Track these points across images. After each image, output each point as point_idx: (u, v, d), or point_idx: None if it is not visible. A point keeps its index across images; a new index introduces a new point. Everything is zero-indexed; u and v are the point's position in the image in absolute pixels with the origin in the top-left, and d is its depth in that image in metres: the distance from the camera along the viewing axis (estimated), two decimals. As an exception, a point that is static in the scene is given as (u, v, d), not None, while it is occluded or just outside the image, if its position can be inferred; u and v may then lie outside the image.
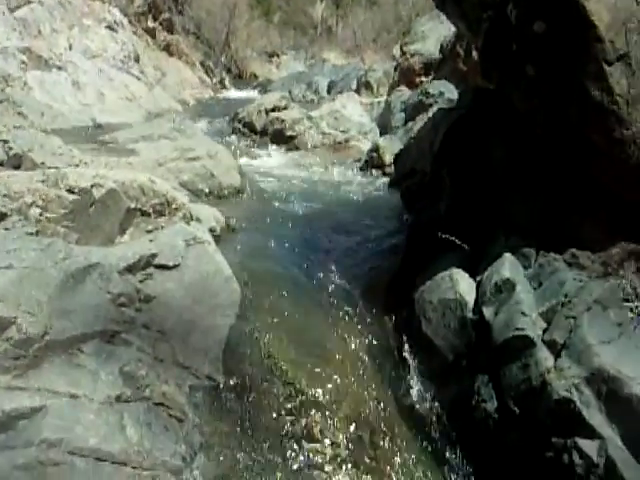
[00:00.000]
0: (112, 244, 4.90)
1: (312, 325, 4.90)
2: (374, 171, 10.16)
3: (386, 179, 9.21)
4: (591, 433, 3.92)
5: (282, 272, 5.46)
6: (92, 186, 4.88)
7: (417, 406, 4.65)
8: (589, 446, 3.88)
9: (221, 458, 3.95)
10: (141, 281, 4.53)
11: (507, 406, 4.26)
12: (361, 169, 10.45)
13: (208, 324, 4.49)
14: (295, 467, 4.05)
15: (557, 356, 4.14)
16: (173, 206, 5.43)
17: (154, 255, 4.67)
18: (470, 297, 4.70)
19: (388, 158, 9.90)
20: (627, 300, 4.29)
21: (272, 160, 11.02)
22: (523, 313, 4.33)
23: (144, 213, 5.26)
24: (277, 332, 4.65)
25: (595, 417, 3.92)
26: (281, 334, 4.65)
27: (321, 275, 5.50)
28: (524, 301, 4.42)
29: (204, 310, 4.54)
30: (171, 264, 4.71)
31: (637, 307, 4.24)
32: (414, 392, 4.70)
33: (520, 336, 4.27)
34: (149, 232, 5.09)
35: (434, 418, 4.57)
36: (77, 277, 4.21)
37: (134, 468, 3.73)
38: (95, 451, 3.67)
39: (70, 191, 4.75)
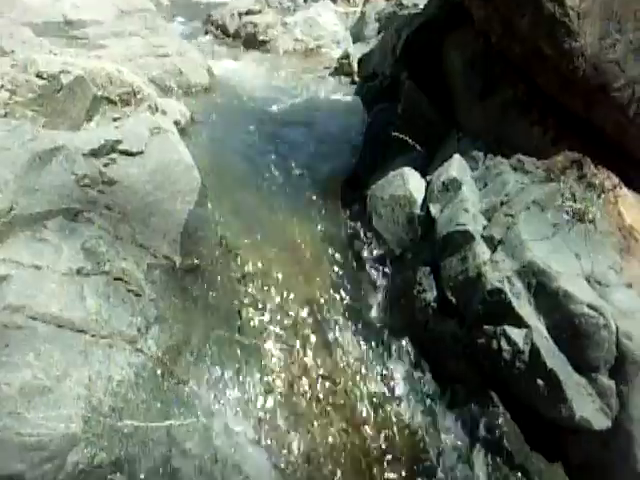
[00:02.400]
0: (78, 130, 5.07)
1: (269, 213, 5.14)
2: (343, 78, 10.28)
3: (354, 86, 9.36)
4: (519, 322, 4.21)
5: (243, 163, 5.68)
6: (60, 72, 5.04)
7: (365, 298, 4.87)
8: (516, 334, 4.19)
9: (174, 330, 4.19)
10: (105, 165, 4.73)
11: (445, 296, 4.52)
12: (331, 75, 10.56)
13: (168, 208, 4.72)
14: (247, 342, 4.30)
15: (493, 250, 4.43)
16: (139, 96, 5.60)
17: (118, 141, 4.86)
18: (419, 195, 4.96)
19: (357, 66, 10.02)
20: (565, 204, 4.51)
21: (243, 63, 11.09)
22: (466, 210, 4.60)
23: (111, 101, 5.43)
24: (234, 218, 4.89)
25: (524, 307, 4.21)
26: (238, 220, 4.88)
27: (281, 168, 5.73)
28: (468, 199, 4.69)
29: (164, 195, 4.76)
30: (135, 151, 4.91)
31: (574, 210, 4.47)
32: (362, 283, 4.93)
33: (461, 231, 4.55)
34: (115, 120, 5.26)
35: (381, 305, 4.81)
36: (43, 158, 4.41)
37: (92, 336, 3.99)
38: (56, 318, 3.90)
39: (39, 76, 4.91)
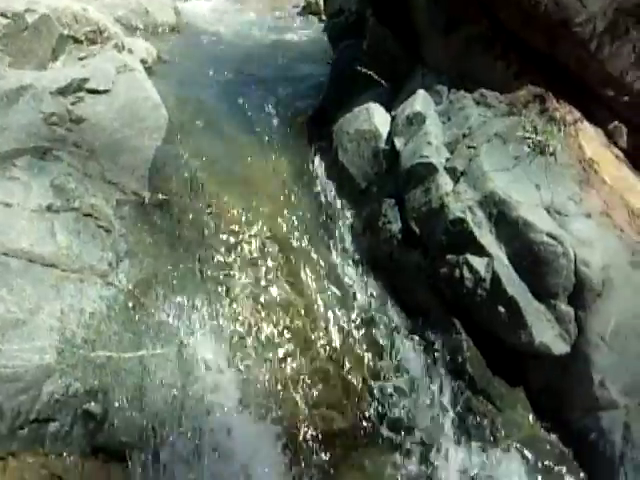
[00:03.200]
0: (45, 69, 5.09)
1: (236, 149, 5.22)
2: (311, 16, 10.28)
3: (322, 24, 9.37)
4: (481, 251, 4.34)
5: (210, 101, 5.73)
6: (25, 11, 5.05)
7: (332, 231, 4.98)
8: (478, 262, 4.33)
9: (144, 264, 4.30)
10: (72, 103, 4.77)
11: (410, 227, 4.64)
12: (299, 14, 10.56)
13: (136, 145, 4.78)
14: (212, 273, 4.41)
15: (456, 182, 4.55)
16: (105, 35, 5.61)
17: (85, 79, 4.90)
18: (384, 129, 5.05)
19: (326, 5, 10.01)
20: (526, 137, 4.62)
21: (211, 3, 11.03)
22: (429, 143, 4.71)
23: (76, 40, 5.45)
24: (202, 155, 4.96)
25: (485, 237, 4.34)
26: (205, 156, 4.95)
27: (247, 105, 5.79)
28: (432, 132, 4.79)
29: (132, 132, 4.83)
30: (102, 89, 4.95)
31: (535, 142, 4.58)
32: (329, 217, 5.04)
33: (425, 163, 4.66)
34: (81, 59, 5.28)
35: (350, 240, 4.92)
36: (10, 97, 4.46)
37: (64, 270, 4.08)
38: (27, 253, 3.99)
39: (3, 15, 4.91)
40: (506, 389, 4.43)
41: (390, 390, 4.42)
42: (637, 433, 4.19)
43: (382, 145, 4.97)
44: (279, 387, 4.19)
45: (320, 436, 4.17)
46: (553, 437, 4.38)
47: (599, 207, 4.48)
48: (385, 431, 4.34)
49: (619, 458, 4.17)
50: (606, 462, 4.23)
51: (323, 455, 4.11)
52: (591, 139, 4.74)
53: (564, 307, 4.27)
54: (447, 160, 4.62)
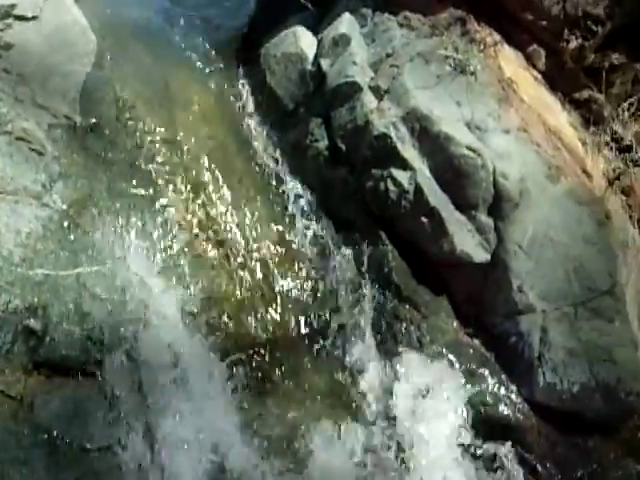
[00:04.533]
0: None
1: (165, 73, 5.25)
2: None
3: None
4: (404, 164, 4.55)
5: (139, 23, 5.70)
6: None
7: (260, 151, 5.10)
8: (402, 176, 4.53)
9: (78, 186, 4.37)
10: (0, 30, 4.77)
11: (336, 144, 4.81)
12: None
13: (66, 70, 4.81)
14: (145, 192, 4.52)
15: (380, 99, 4.72)
16: (30, -39, 5.55)
17: (13, 5, 4.89)
18: (311, 51, 5.19)
19: None
20: (448, 56, 4.80)
21: None
22: (354, 63, 4.87)
23: (2, -33, 5.38)
24: (131, 78, 4.99)
25: (408, 151, 4.55)
26: (135, 80, 4.99)
27: (177, 28, 5.79)
28: (356, 53, 4.96)
29: (62, 58, 4.84)
30: (30, 15, 4.94)
31: (456, 62, 4.76)
32: (258, 138, 5.16)
33: (350, 82, 4.83)
34: (7, -14, 5.24)
35: (278, 161, 5.05)
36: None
37: (-1, 193, 4.13)
38: (-40, 176, 4.02)
39: None
40: (431, 297, 4.64)
41: (319, 298, 4.50)
42: (553, 335, 4.40)
43: (309, 67, 5.11)
44: (211, 300, 4.25)
45: (253, 345, 4.26)
46: (476, 342, 4.61)
47: (517, 123, 4.67)
48: (314, 338, 4.40)
49: (537, 359, 4.44)
50: (525, 363, 4.48)
51: (257, 363, 4.21)
52: (510, 61, 4.94)
53: (484, 217, 4.47)
54: (371, 79, 4.79)
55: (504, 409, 4.42)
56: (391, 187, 4.49)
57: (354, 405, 4.31)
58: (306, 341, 4.53)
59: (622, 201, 4.99)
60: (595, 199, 4.73)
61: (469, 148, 4.43)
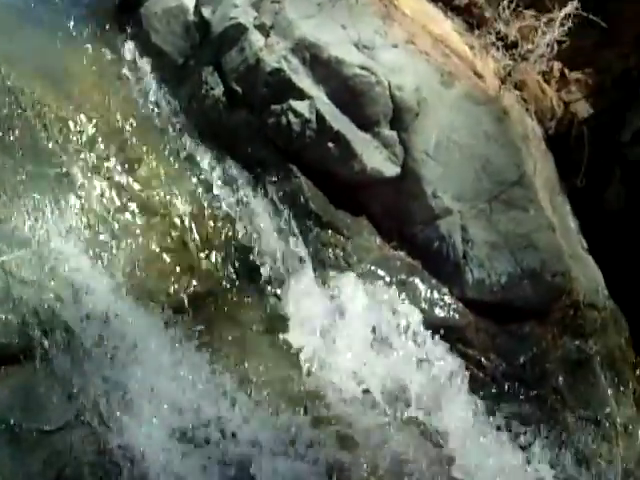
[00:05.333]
0: None
1: (50, 49, 5.17)
2: None
3: None
4: (301, 95, 4.62)
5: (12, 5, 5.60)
6: None
7: (157, 111, 5.10)
8: (301, 106, 4.59)
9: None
10: None
11: (231, 88, 4.84)
12: None
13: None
14: (53, 172, 4.49)
15: (267, 36, 4.76)
16: None
17: None
18: (190, 2, 5.18)
19: None
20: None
21: None
22: (235, 5, 4.89)
23: None
24: (12, 55, 4.91)
25: (303, 81, 4.61)
26: (20, 60, 4.92)
27: (50, 5, 5.71)
28: (237, -4, 4.91)
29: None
30: None
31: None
32: (152, 99, 5.15)
33: (234, 24, 4.86)
34: None
35: (173, 119, 5.06)
36: None
37: None
38: None
39: None
40: (351, 219, 4.74)
41: (243, 249, 4.56)
42: (473, 233, 4.55)
43: (191, 18, 5.12)
44: (139, 265, 4.27)
45: (190, 301, 4.30)
46: (401, 254, 4.73)
47: (403, 37, 4.78)
48: (246, 282, 4.46)
49: (462, 258, 4.58)
50: (452, 264, 4.62)
51: (198, 317, 4.25)
52: (387, -21, 4.97)
53: (387, 132, 4.56)
54: (255, 18, 4.82)
55: (440, 312, 4.48)
56: (293, 119, 4.52)
57: (293, 335, 4.27)
58: (238, 286, 4.44)
59: (517, 96, 5.13)
60: (490, 98, 4.85)
61: (361, 67, 4.51)
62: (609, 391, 4.73)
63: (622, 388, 4.83)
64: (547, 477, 4.26)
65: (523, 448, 4.31)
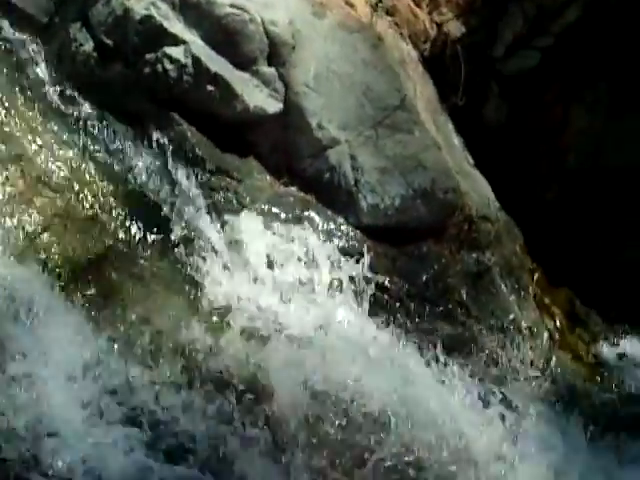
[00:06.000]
0: None
1: None
2: None
3: None
4: (175, 40, 4.56)
5: None
6: None
7: (27, 73, 4.94)
8: (176, 51, 4.55)
9: None
10: None
11: (102, 42, 4.73)
12: None
13: None
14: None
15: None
16: None
17: None
18: (47, -42, 4.98)
19: None
20: None
21: None
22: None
23: None
24: None
25: (175, 26, 4.57)
26: None
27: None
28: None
29: None
30: None
31: None
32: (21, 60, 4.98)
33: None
34: None
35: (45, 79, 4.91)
36: None
37: None
38: None
39: None
40: (239, 161, 4.73)
41: (134, 201, 4.51)
42: (362, 160, 4.60)
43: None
44: (29, 228, 4.17)
45: (92, 264, 4.24)
46: (294, 189, 4.75)
47: (272, -27, 4.67)
48: (145, 237, 4.41)
49: (354, 186, 4.62)
50: (345, 194, 4.66)
51: (99, 279, 4.18)
52: None
53: (266, 69, 4.58)
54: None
55: (338, 241, 4.53)
56: (169, 66, 4.50)
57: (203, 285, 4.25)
58: (136, 242, 4.41)
59: (389, 22, 5.17)
60: (364, 25, 4.90)
61: (232, 6, 4.51)
62: (511, 298, 4.85)
63: (523, 294, 4.94)
64: (459, 386, 4.26)
65: (435, 361, 4.31)
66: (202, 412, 3.78)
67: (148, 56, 4.57)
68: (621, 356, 5.04)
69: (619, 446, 4.56)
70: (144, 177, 4.65)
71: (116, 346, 3.97)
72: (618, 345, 5.18)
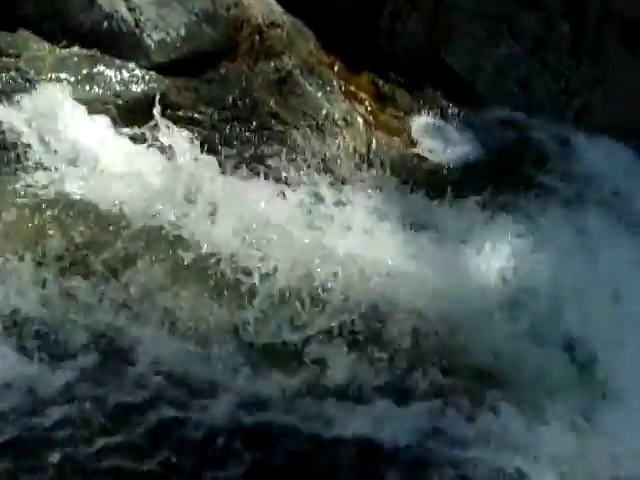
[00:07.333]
0: None
1: None
2: None
3: None
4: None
5: None
6: None
7: None
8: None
9: None
10: None
11: None
12: None
13: None
14: None
15: None
16: None
17: None
18: None
19: None
20: None
21: None
22: None
23: None
24: None
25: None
26: None
27: None
28: None
29: None
30: None
31: None
32: None
33: None
34: None
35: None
36: None
37: None
38: None
39: None
40: (11, 36, 4.61)
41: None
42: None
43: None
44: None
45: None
46: (75, 49, 4.71)
47: None
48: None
49: (136, 27, 4.79)
50: (129, 38, 4.80)
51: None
52: None
53: None
54: None
55: (136, 88, 4.51)
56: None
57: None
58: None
59: None
60: None
61: None
62: (318, 95, 4.92)
63: (328, 88, 5.02)
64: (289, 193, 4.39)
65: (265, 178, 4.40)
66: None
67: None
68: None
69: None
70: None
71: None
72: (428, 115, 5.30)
